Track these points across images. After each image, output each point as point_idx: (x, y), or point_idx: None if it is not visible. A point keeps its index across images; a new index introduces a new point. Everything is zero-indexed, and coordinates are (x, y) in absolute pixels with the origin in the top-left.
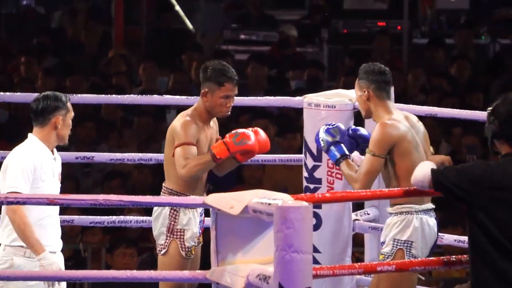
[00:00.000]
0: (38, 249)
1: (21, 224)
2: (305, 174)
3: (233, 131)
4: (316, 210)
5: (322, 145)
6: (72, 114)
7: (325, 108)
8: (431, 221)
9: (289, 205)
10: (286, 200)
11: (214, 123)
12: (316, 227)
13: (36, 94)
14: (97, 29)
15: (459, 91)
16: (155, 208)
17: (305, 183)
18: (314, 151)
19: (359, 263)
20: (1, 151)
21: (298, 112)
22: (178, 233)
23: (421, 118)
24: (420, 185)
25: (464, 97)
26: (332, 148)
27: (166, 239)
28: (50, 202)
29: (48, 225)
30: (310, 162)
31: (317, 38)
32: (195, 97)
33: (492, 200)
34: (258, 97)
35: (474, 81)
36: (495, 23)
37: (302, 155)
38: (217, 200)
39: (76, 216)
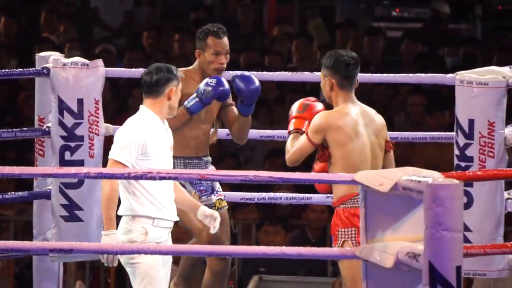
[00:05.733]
0: (110, 226)
1: (108, 194)
2: (456, 152)
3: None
4: (468, 188)
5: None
6: (181, 85)
7: (478, 86)
8: None
9: (439, 183)
10: (436, 177)
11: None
12: (467, 205)
13: None
14: (251, 7)
15: None
16: None
17: (456, 161)
18: (466, 129)
19: (511, 242)
20: None
21: (449, 90)
22: None
23: None
24: None
25: None
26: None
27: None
28: (201, 178)
29: (162, 199)
30: (461, 140)
31: (471, 14)
32: None
33: None
34: (410, 74)
35: None
36: None
37: (453, 133)
38: (367, 177)
39: (227, 192)
